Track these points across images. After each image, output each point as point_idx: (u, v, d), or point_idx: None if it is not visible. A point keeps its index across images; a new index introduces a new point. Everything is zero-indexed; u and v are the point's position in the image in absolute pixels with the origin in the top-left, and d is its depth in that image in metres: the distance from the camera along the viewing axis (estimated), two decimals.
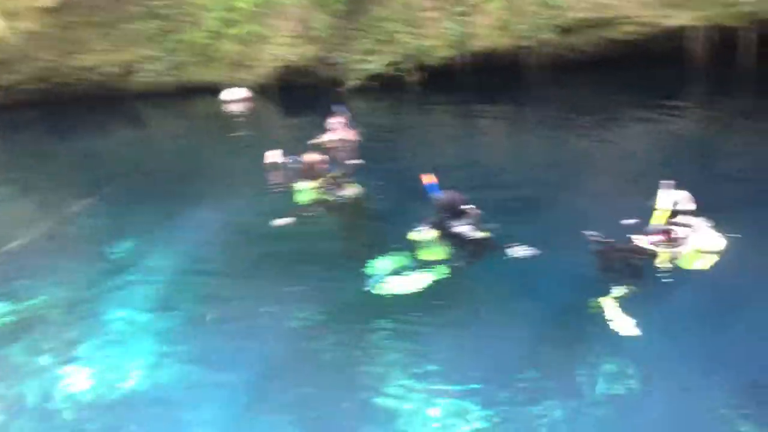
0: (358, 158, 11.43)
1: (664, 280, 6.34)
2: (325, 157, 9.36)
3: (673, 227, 6.45)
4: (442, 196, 7.53)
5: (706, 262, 6.37)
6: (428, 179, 8.20)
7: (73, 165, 13.94)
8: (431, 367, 5.89)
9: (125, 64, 18.91)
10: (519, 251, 7.26)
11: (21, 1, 17.44)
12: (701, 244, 6.36)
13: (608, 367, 5.69)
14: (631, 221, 6.89)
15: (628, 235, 6.65)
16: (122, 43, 18.64)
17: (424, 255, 7.37)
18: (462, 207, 7.26)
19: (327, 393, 5.76)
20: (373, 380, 5.81)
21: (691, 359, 5.69)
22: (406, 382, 5.74)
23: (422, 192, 8.00)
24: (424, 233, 7.34)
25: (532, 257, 7.18)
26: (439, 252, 7.32)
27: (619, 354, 5.81)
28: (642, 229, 6.59)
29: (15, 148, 15.96)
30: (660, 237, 6.48)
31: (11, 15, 17.45)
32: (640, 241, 6.53)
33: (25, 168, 13.87)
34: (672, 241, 6.44)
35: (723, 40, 15.04)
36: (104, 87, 19.31)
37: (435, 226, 7.38)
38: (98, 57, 18.68)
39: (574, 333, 6.16)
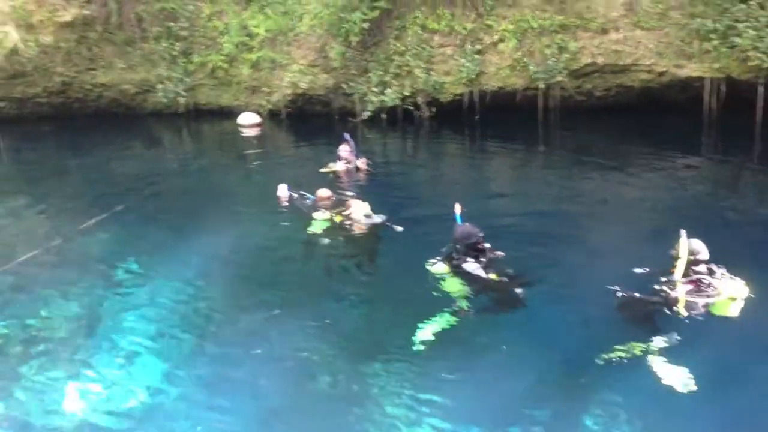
0: (369, 186, 11.54)
1: (693, 330, 6.22)
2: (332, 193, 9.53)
3: (701, 275, 6.44)
4: (459, 227, 7.47)
5: (737, 309, 6.34)
6: (457, 209, 8.28)
7: (85, 181, 13.92)
8: (437, 411, 5.69)
9: (142, 82, 19.07)
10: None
11: (39, 15, 17.55)
12: (733, 291, 6.36)
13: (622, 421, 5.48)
14: (644, 270, 6.89)
15: (656, 286, 6.59)
16: (140, 62, 18.82)
17: (439, 288, 7.26)
18: (477, 242, 7.19)
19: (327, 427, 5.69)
20: (376, 421, 5.67)
21: (717, 416, 5.46)
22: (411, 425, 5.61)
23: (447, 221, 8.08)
24: (437, 266, 7.29)
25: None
26: (452, 287, 7.18)
27: (636, 410, 5.56)
28: (665, 277, 6.56)
29: (28, 161, 15.96)
30: (690, 286, 6.44)
31: (29, 28, 17.56)
32: (671, 290, 6.46)
33: (37, 181, 13.82)
34: (703, 289, 6.42)
35: (736, 91, 15.14)
36: (119, 104, 19.46)
37: (447, 259, 7.33)
38: (115, 74, 18.83)
39: (588, 384, 5.92)
